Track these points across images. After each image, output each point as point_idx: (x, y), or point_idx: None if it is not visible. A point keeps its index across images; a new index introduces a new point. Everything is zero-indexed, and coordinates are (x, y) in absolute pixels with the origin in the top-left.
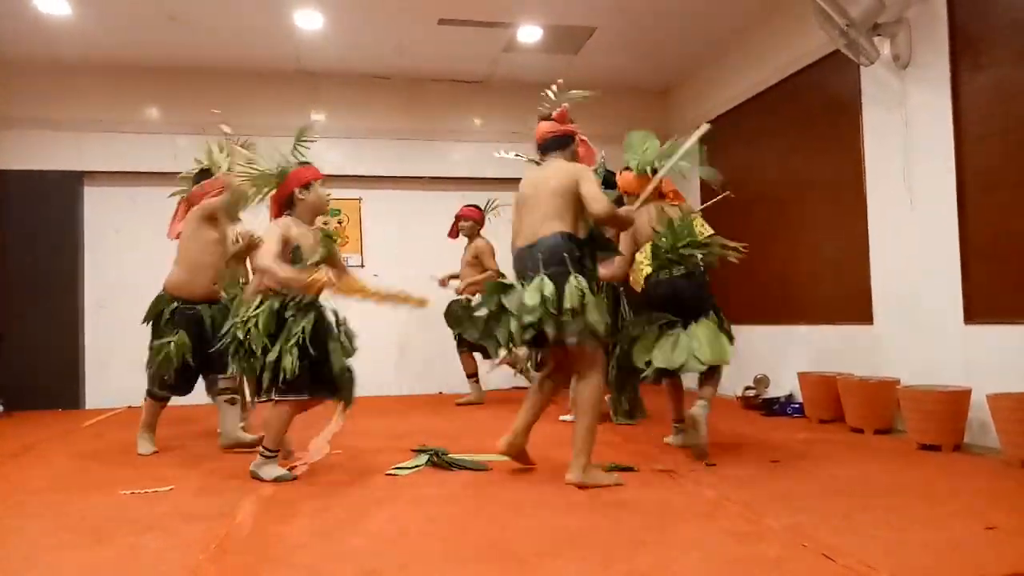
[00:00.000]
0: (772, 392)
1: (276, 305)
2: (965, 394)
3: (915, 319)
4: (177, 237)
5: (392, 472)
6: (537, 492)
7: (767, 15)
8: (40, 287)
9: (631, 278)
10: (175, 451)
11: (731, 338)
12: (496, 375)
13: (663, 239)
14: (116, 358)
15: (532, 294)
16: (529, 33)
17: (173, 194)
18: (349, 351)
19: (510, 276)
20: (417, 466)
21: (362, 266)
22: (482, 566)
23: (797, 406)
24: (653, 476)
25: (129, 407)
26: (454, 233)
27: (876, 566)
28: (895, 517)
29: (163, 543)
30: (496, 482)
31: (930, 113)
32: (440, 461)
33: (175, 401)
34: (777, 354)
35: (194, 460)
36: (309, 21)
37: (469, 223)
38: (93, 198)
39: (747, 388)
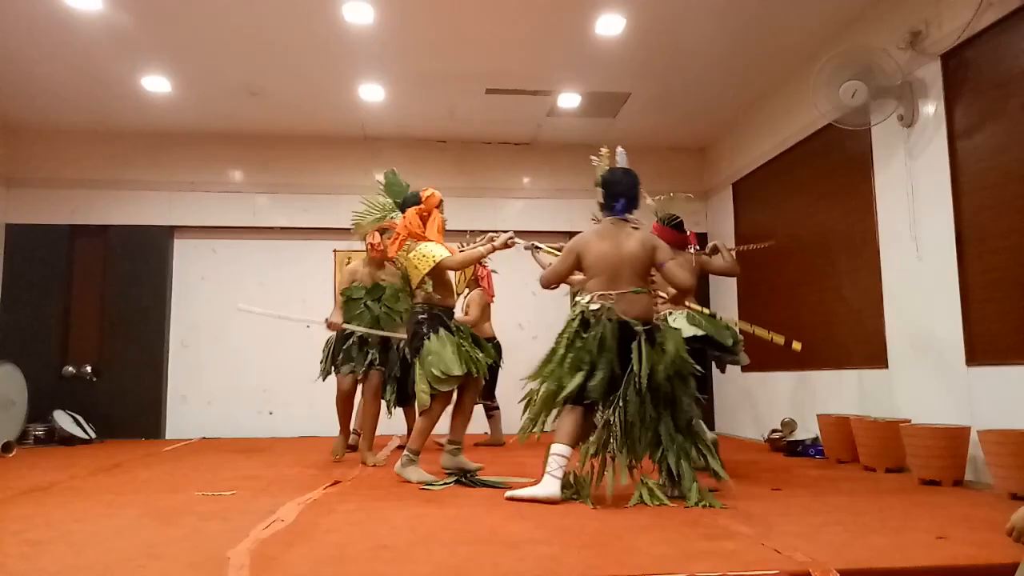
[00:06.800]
0: (799, 435)
1: None
2: (963, 431)
3: (924, 362)
4: None
5: (425, 487)
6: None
7: (791, 76)
8: (133, 329)
9: None
10: (237, 468)
11: None
12: None
13: None
14: (194, 393)
15: None
16: (569, 99)
17: None
18: None
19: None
20: (446, 483)
21: None
22: (478, 547)
23: (821, 448)
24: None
25: (203, 438)
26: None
27: (819, 557)
28: (857, 530)
29: (220, 527)
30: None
31: (931, 169)
32: (468, 481)
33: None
34: (803, 399)
35: (254, 475)
36: (372, 94)
37: None
38: (181, 250)
39: (774, 431)
